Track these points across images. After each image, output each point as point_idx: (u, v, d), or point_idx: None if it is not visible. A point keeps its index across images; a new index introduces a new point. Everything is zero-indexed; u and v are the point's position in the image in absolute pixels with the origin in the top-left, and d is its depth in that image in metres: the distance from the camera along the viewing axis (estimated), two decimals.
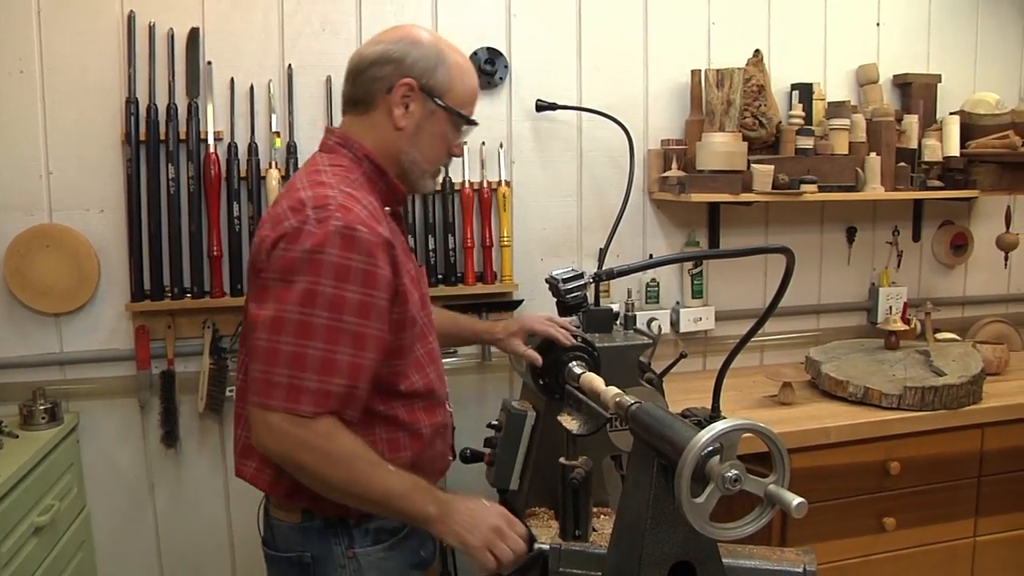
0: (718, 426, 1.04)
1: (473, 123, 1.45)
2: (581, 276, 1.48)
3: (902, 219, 2.89)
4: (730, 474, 1.03)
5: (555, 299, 1.49)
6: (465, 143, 1.61)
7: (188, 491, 2.34)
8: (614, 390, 1.45)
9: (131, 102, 2.12)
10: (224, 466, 2.35)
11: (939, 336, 2.75)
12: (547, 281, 1.50)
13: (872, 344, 2.62)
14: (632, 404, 1.31)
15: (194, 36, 2.17)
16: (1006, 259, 2.80)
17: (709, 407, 1.66)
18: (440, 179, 1.55)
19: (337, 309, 1.22)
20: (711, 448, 1.04)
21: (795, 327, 2.82)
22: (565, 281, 1.46)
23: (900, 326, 2.53)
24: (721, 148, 2.36)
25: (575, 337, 1.53)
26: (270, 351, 1.23)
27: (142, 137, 2.13)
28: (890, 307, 2.80)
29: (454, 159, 1.52)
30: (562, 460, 1.47)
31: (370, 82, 1.38)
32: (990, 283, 3.07)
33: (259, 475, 1.38)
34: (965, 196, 2.67)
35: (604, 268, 1.48)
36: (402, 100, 1.37)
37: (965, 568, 2.36)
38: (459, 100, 1.41)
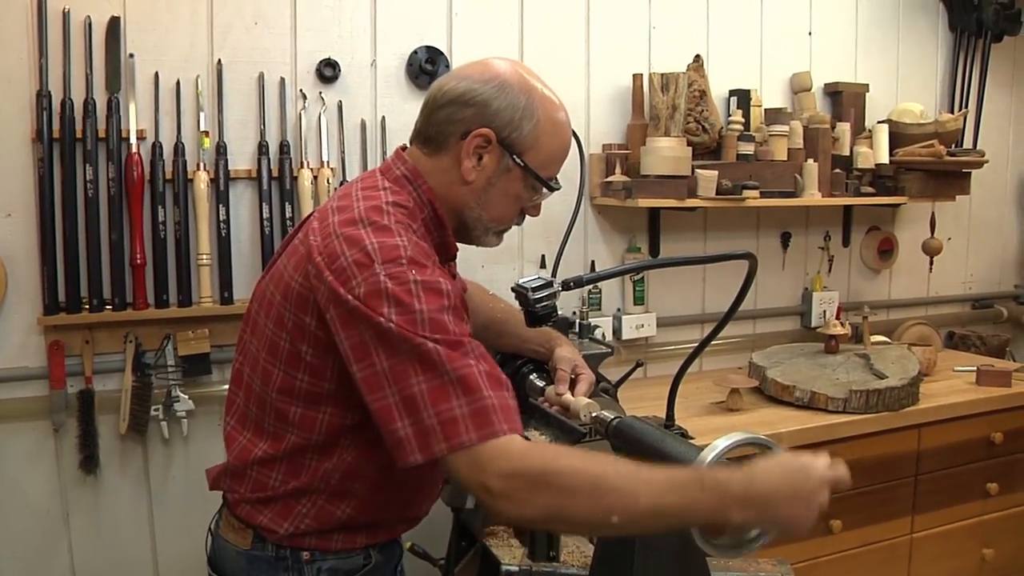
0: (725, 442, 1.00)
1: (553, 188, 1.29)
2: (551, 285, 1.42)
3: (833, 225, 2.95)
4: None
5: (523, 309, 1.42)
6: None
7: (108, 521, 2.15)
8: (584, 401, 1.39)
9: (43, 96, 1.93)
10: (148, 492, 2.18)
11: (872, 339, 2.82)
12: (514, 290, 1.42)
13: (812, 348, 2.66)
14: (614, 419, 1.26)
15: (114, 26, 2.00)
16: (931, 263, 2.90)
17: (662, 415, 1.63)
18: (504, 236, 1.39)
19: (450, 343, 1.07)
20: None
21: (733, 332, 2.83)
22: (535, 290, 1.39)
23: (840, 330, 2.57)
24: (668, 153, 2.34)
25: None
26: (414, 396, 1.04)
27: (56, 135, 1.95)
28: (824, 311, 2.86)
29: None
30: None
31: (445, 122, 1.22)
32: (912, 287, 3.18)
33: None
34: (895, 202, 2.75)
35: (573, 276, 1.42)
36: (475, 151, 1.22)
37: (903, 564, 2.42)
38: (542, 160, 1.25)
